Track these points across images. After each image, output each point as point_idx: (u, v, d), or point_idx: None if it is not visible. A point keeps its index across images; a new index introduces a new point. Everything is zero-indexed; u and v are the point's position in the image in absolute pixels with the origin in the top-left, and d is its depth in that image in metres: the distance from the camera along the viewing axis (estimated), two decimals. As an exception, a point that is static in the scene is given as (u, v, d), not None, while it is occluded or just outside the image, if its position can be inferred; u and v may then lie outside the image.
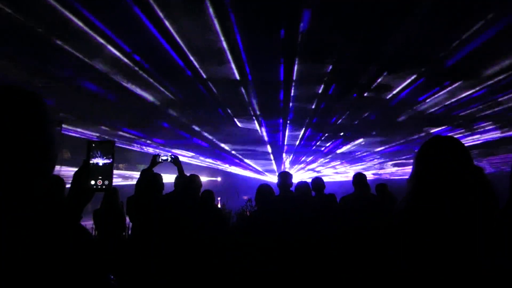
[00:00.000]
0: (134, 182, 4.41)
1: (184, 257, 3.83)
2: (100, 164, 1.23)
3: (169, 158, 4.25)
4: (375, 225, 4.43)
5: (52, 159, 1.09)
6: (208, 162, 20.00)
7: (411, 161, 1.70)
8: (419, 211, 1.55)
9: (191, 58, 7.39)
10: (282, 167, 21.42)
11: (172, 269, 3.71)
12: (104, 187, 1.23)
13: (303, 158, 21.15)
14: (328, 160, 20.85)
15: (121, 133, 13.91)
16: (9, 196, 0.93)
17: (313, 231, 4.42)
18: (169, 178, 4.99)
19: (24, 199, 0.96)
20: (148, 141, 15.79)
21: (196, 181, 4.55)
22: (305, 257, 4.09)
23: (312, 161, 21.89)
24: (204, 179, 19.30)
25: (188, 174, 4.55)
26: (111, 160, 1.25)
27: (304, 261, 4.04)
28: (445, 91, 9.07)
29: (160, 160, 4.17)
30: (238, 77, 8.47)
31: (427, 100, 9.88)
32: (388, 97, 9.78)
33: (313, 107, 10.90)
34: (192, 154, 18.47)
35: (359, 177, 5.35)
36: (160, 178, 4.26)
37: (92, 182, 1.21)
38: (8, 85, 1.05)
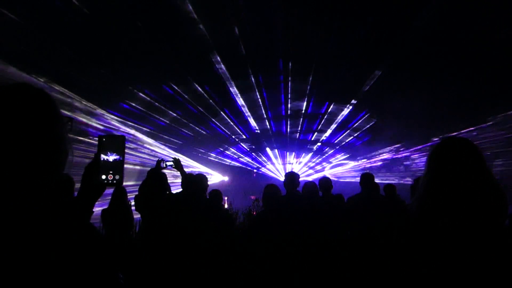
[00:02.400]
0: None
1: (189, 257, 3.84)
2: (111, 159, 1.23)
3: (172, 163, 4.28)
4: (382, 227, 4.41)
5: (61, 157, 1.10)
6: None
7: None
8: (429, 216, 1.54)
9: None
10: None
11: (177, 269, 3.72)
12: (115, 181, 1.23)
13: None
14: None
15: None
16: (16, 195, 0.94)
17: (320, 231, 4.41)
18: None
19: (31, 197, 0.96)
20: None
21: (202, 180, 4.56)
22: (311, 257, 4.08)
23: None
24: (217, 178, 18.87)
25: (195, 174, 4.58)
26: (122, 155, 1.25)
27: (310, 262, 4.03)
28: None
29: (164, 166, 4.20)
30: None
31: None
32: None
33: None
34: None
35: (366, 177, 5.32)
36: (165, 177, 4.28)
37: (103, 177, 1.22)
38: (17, 83, 1.05)
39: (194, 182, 4.44)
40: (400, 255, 1.58)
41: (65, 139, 1.10)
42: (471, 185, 1.50)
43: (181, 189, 4.63)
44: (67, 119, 1.12)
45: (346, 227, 5.17)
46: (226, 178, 19.76)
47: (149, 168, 4.45)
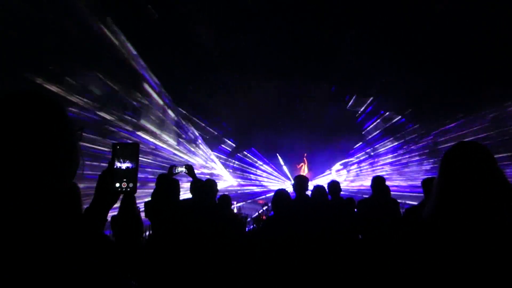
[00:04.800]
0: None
1: (199, 262, 3.82)
2: (124, 167, 1.23)
3: (184, 170, 4.27)
4: (391, 231, 4.38)
5: (72, 165, 1.09)
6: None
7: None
8: (443, 219, 1.53)
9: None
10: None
11: (188, 275, 3.70)
12: (128, 189, 1.23)
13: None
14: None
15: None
16: (28, 201, 0.94)
17: (330, 235, 4.38)
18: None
19: (43, 204, 0.96)
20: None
21: (212, 186, 4.55)
22: (322, 261, 4.05)
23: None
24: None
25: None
26: (136, 162, 1.25)
27: (321, 265, 4.01)
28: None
29: (176, 172, 4.20)
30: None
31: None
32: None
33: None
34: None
35: (377, 181, 5.28)
36: (177, 184, 4.27)
37: (117, 185, 1.22)
38: (29, 90, 1.05)
39: (203, 187, 4.43)
40: (413, 258, 1.57)
41: (76, 147, 1.10)
42: (485, 188, 1.50)
43: (190, 195, 4.63)
44: (78, 127, 1.12)
45: (357, 231, 5.14)
46: (235, 183, 19.73)
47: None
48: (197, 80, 11.43)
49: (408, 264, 1.56)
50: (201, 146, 17.12)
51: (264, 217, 10.03)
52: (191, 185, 4.61)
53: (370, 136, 17.38)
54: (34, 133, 0.99)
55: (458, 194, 1.52)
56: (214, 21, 8.42)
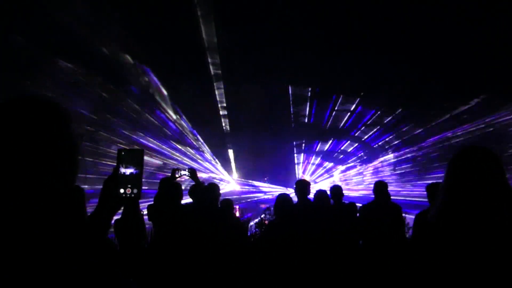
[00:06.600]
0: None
1: (202, 266, 3.83)
2: (128, 172, 1.23)
3: (187, 173, 4.29)
4: (393, 234, 4.38)
5: (75, 166, 1.11)
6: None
7: None
8: (447, 222, 1.54)
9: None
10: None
11: (190, 279, 3.71)
12: (133, 195, 1.23)
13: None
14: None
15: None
16: (29, 203, 0.94)
17: (333, 239, 4.38)
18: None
19: (45, 205, 0.97)
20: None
21: (214, 190, 4.55)
22: (324, 265, 4.05)
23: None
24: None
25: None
26: (140, 168, 1.24)
27: (321, 265, 4.01)
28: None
29: (179, 175, 4.22)
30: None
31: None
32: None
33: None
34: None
35: (379, 185, 5.30)
36: (180, 187, 4.29)
37: (121, 191, 1.22)
38: (34, 96, 1.07)
39: (206, 191, 4.44)
40: (416, 260, 1.58)
41: (77, 149, 1.11)
42: (491, 193, 1.50)
43: (192, 199, 4.64)
44: (79, 133, 1.14)
45: (360, 235, 5.14)
46: (238, 187, 19.68)
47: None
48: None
49: (411, 265, 1.56)
50: (203, 149, 17.18)
51: (266, 221, 10.00)
52: (190, 188, 4.61)
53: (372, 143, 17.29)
54: (34, 133, 1.00)
55: (458, 195, 1.53)
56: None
